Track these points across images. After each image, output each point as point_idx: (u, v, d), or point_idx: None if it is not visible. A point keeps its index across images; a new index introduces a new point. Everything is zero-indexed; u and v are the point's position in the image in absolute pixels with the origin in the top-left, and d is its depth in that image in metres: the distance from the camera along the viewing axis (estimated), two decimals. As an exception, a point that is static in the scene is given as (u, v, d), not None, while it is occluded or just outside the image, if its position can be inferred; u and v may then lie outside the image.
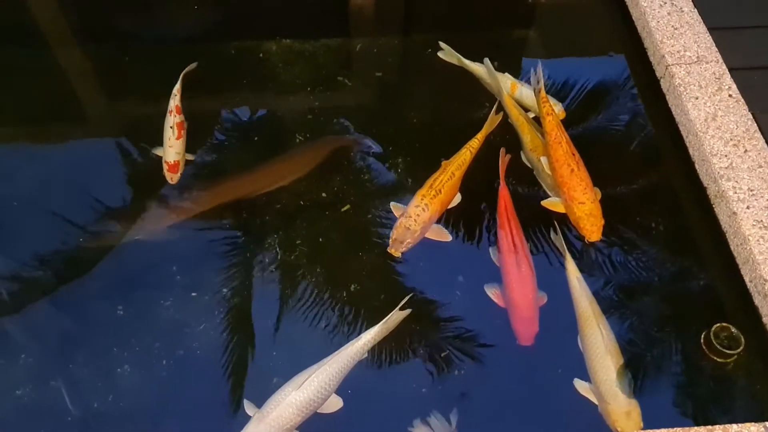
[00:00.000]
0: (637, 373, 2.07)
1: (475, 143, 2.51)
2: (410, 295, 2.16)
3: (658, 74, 2.74)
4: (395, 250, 2.29)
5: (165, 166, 2.48)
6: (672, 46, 2.70)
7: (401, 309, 2.12)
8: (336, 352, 2.01)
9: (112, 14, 3.16)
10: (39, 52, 3.04)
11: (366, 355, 2.06)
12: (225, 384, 2.09)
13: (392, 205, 2.42)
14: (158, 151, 2.54)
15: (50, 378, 2.07)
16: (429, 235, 2.35)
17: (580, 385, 2.05)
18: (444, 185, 2.38)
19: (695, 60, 2.65)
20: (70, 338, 2.17)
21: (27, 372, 2.08)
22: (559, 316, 2.18)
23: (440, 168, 2.44)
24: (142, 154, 2.65)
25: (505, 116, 2.65)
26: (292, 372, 1.98)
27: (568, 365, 2.10)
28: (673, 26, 2.78)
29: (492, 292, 2.21)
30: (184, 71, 2.68)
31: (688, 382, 2.12)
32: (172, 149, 2.48)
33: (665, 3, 2.87)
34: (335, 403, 1.98)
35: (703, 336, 2.11)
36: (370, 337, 2.05)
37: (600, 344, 2.06)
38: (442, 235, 2.37)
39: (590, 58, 3.11)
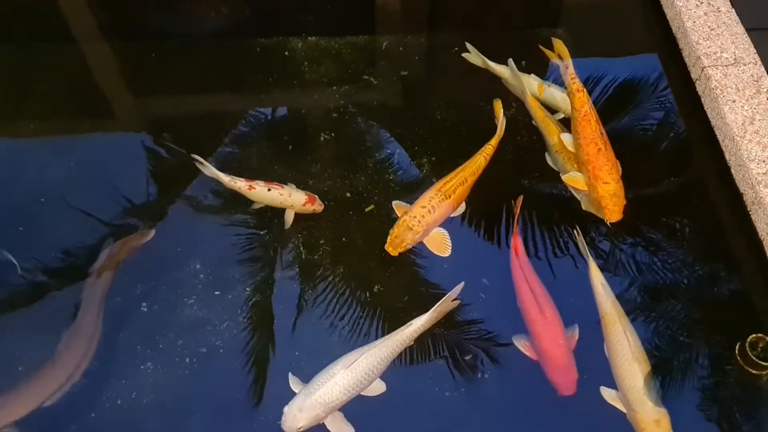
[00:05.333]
0: (666, 381, 2.03)
1: (489, 149, 2.45)
2: (461, 284, 2.10)
3: (693, 76, 2.67)
4: (393, 249, 2.22)
5: (309, 208, 2.39)
6: (708, 48, 2.63)
7: (452, 299, 2.09)
8: (385, 337, 2.01)
9: (139, 11, 3.18)
10: (67, 48, 3.07)
11: (413, 342, 2.05)
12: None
13: (395, 203, 2.36)
14: (290, 215, 2.38)
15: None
16: (428, 244, 2.26)
17: (607, 394, 2.01)
18: (454, 190, 2.32)
19: (732, 62, 2.58)
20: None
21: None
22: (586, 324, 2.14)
23: (453, 172, 2.37)
24: (167, 149, 2.66)
25: (530, 117, 2.61)
26: (315, 368, 1.97)
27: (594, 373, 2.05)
28: (709, 27, 2.71)
29: (522, 345, 2.10)
30: (212, 169, 2.41)
31: (720, 394, 2.06)
32: (292, 196, 2.37)
33: (701, 3, 2.80)
34: (378, 387, 1.99)
35: (737, 346, 2.06)
36: (419, 324, 2.04)
37: (627, 351, 2.01)
38: (441, 248, 2.25)
39: (623, 58, 3.04)
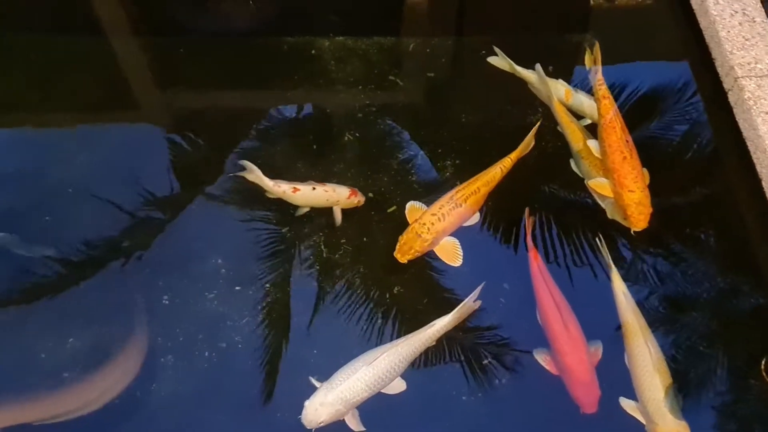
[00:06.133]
0: (687, 394, 2.00)
1: (507, 162, 2.41)
2: (482, 284, 2.08)
3: (726, 86, 2.63)
4: (401, 256, 2.18)
5: (353, 201, 2.37)
6: (742, 58, 2.59)
7: (473, 300, 2.07)
8: (408, 336, 2.01)
9: (168, 7, 3.22)
10: (96, 41, 3.11)
11: (434, 342, 2.05)
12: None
13: (409, 205, 2.29)
14: (338, 212, 2.37)
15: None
16: (439, 253, 2.23)
17: (627, 404, 1.99)
18: (466, 199, 2.28)
19: (767, 73, 2.53)
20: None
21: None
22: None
23: (467, 181, 2.34)
24: (193, 144, 2.68)
25: (555, 123, 2.59)
26: (333, 366, 1.97)
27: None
28: (744, 37, 2.66)
29: (542, 359, 2.06)
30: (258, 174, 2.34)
31: (743, 409, 2.03)
32: (336, 191, 2.35)
33: (736, 12, 2.75)
34: (399, 386, 1.98)
35: (763, 362, 2.02)
36: (442, 324, 2.04)
37: (648, 362, 1.99)
38: (451, 257, 2.22)
39: (654, 66, 3.00)
